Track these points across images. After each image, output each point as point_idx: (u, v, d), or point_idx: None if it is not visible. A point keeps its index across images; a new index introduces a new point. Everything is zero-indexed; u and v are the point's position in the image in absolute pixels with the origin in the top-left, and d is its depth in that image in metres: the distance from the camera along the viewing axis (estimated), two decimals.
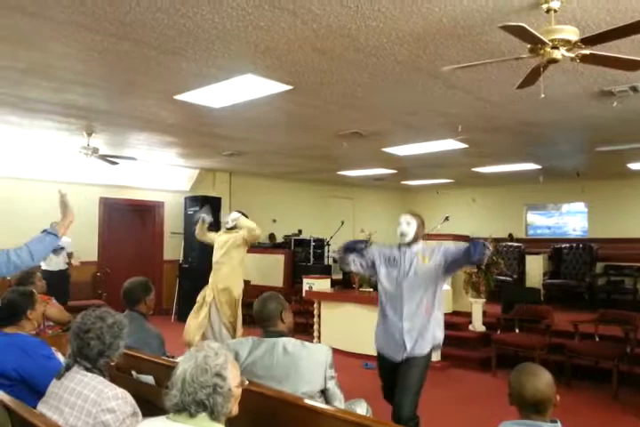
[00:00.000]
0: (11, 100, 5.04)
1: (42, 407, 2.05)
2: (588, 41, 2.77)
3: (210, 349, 1.68)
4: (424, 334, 3.38)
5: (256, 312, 2.66)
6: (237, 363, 2.46)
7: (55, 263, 7.46)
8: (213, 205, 9.53)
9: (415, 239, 3.45)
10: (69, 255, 7.74)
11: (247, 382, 1.83)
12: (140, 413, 1.98)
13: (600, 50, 2.89)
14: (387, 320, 3.54)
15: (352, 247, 3.56)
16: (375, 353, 3.85)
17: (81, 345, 2.05)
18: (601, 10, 2.99)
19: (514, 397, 2.03)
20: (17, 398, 2.19)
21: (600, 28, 3.01)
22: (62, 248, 7.01)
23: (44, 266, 7.34)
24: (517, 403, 2.02)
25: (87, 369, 2.03)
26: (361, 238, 3.58)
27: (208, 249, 9.36)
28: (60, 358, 2.59)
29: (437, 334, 3.47)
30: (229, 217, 5.88)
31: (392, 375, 3.44)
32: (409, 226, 3.43)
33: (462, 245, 3.60)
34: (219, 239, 5.94)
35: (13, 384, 2.38)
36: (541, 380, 2.01)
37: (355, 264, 3.59)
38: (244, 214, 5.86)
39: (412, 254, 3.43)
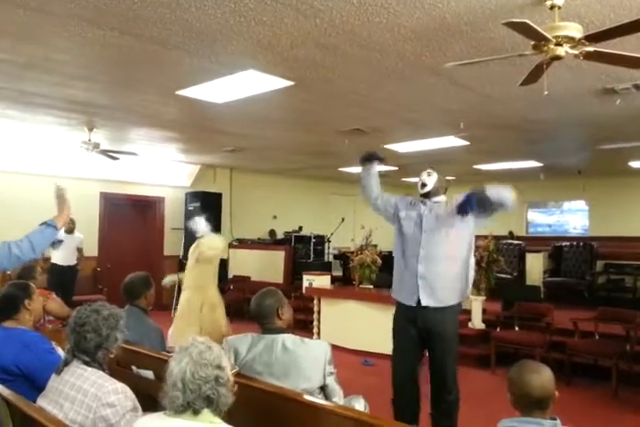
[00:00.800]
0: (11, 94, 5.03)
1: (42, 402, 2.05)
2: (592, 38, 2.75)
3: (200, 344, 1.69)
4: (441, 280, 3.25)
5: (253, 309, 2.65)
6: (237, 359, 2.48)
7: (66, 258, 7.50)
8: (212, 204, 9.59)
9: (436, 191, 3.42)
10: (80, 251, 7.78)
11: (237, 369, 1.83)
12: (139, 407, 1.98)
13: (604, 47, 2.88)
14: (402, 264, 3.41)
15: (371, 157, 3.55)
16: (374, 350, 3.82)
17: (78, 339, 2.05)
18: (605, 6, 2.98)
19: (517, 396, 2.02)
20: (17, 393, 2.19)
21: (604, 24, 2.99)
22: (60, 241, 7.01)
23: (54, 260, 7.39)
24: (520, 401, 2.02)
25: (86, 363, 2.04)
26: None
27: None
28: (61, 352, 2.58)
29: (460, 294, 3.34)
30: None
31: (407, 331, 3.31)
32: (429, 176, 3.42)
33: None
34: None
35: (13, 379, 2.38)
36: (544, 376, 2.02)
37: (376, 189, 3.60)
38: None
39: (432, 203, 3.41)
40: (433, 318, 3.26)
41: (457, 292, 3.34)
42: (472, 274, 3.41)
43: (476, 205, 3.10)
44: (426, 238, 3.30)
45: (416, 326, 3.31)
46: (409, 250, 3.38)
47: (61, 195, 2.66)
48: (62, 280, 7.17)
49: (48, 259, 7.41)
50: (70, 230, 7.60)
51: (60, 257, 7.49)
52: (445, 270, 3.29)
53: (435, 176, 3.42)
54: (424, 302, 3.25)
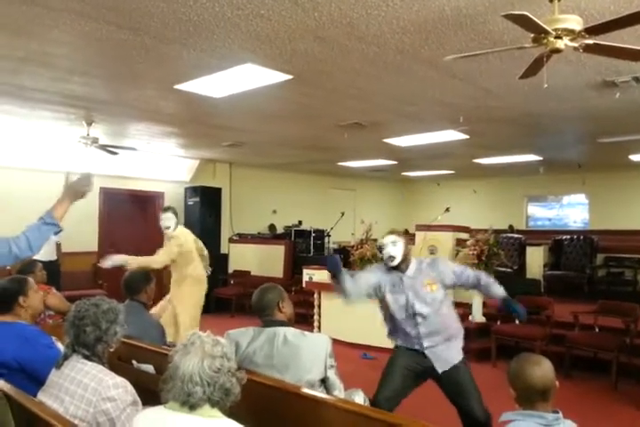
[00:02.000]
0: (9, 89, 5.01)
1: (42, 396, 2.05)
2: (592, 30, 2.74)
3: (206, 338, 1.70)
4: (447, 345, 3.24)
5: (254, 302, 2.68)
6: (237, 352, 2.49)
7: (45, 254, 7.45)
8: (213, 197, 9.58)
9: (405, 259, 3.24)
10: (58, 246, 7.72)
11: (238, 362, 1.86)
12: (139, 402, 1.99)
13: (604, 40, 2.86)
14: (404, 336, 3.32)
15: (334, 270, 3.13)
16: (374, 344, 3.82)
17: (77, 333, 2.06)
18: None
19: (520, 389, 2.02)
20: (17, 387, 2.19)
21: (604, 17, 2.97)
22: (61, 230, 6.99)
23: (35, 256, 7.32)
24: (524, 395, 2.02)
25: (86, 357, 2.04)
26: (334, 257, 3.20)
27: (207, 240, 9.41)
28: (61, 347, 2.59)
29: (461, 339, 3.36)
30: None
31: (401, 367, 3.25)
32: (395, 246, 3.20)
33: (479, 273, 3.42)
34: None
35: (13, 373, 2.38)
36: (546, 367, 2.03)
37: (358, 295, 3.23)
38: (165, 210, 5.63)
39: (412, 282, 3.23)
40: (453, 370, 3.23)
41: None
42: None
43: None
44: (422, 322, 3.22)
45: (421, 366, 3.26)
46: (406, 328, 3.28)
47: (72, 184, 2.61)
48: (47, 276, 7.13)
49: None
50: None
51: (42, 253, 7.41)
52: (446, 335, 3.27)
53: (400, 244, 3.20)
54: (445, 369, 3.21)
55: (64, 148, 7.82)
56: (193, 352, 1.65)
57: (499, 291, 3.38)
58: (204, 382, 1.60)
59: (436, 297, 3.22)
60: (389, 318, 3.38)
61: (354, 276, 3.24)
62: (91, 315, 2.08)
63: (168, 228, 5.45)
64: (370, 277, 3.30)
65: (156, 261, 5.28)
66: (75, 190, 2.51)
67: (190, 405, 1.60)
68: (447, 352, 3.23)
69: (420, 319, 3.21)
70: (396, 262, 3.21)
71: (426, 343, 3.21)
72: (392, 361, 3.33)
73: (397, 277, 3.26)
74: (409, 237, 3.49)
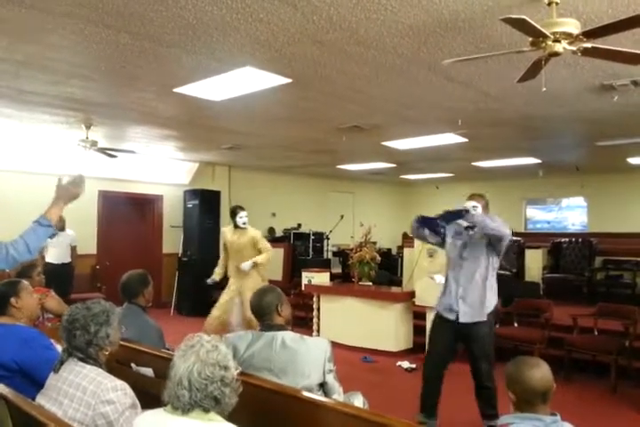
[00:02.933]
0: (8, 92, 5.01)
1: (40, 400, 2.05)
2: (590, 34, 2.75)
3: (207, 343, 1.68)
4: (478, 300, 3.73)
5: (253, 306, 2.67)
6: (235, 356, 2.48)
7: (59, 256, 7.47)
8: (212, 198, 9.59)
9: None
10: (73, 249, 7.76)
11: (240, 369, 1.84)
12: (139, 404, 1.98)
13: (602, 43, 2.87)
14: (447, 285, 3.89)
15: (430, 223, 3.83)
16: (373, 347, 4.02)
17: (68, 337, 2.06)
18: (602, 2, 2.97)
19: (520, 392, 2.01)
20: (16, 389, 2.19)
21: (602, 20, 2.99)
22: (55, 234, 7.01)
23: (48, 259, 7.35)
24: (524, 398, 2.01)
25: (82, 360, 2.04)
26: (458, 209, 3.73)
27: (207, 243, 9.43)
28: (59, 349, 2.59)
29: (491, 299, 3.78)
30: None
31: (444, 335, 3.82)
32: (475, 211, 3.65)
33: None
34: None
35: (12, 375, 2.38)
36: (544, 369, 2.03)
37: (428, 237, 3.93)
38: (240, 208, 5.85)
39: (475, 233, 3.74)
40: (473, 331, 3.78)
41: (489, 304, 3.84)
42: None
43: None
44: (466, 266, 3.81)
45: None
46: (452, 274, 3.90)
47: (64, 186, 2.62)
48: (57, 278, 7.13)
49: (43, 257, 7.41)
50: (61, 228, 7.54)
51: (54, 255, 7.45)
52: (481, 289, 3.81)
53: (479, 209, 3.67)
54: (467, 322, 3.77)
55: (63, 151, 7.83)
56: (188, 356, 1.64)
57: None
58: (193, 387, 1.59)
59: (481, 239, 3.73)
60: (448, 267, 3.96)
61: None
62: (80, 318, 2.08)
63: (245, 223, 5.80)
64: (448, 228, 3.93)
65: (271, 255, 5.88)
66: (67, 192, 2.52)
67: (178, 408, 1.60)
68: (475, 309, 3.73)
69: (464, 264, 3.76)
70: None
71: (462, 292, 3.75)
72: (437, 332, 3.92)
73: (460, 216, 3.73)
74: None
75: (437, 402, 3.86)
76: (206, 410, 1.60)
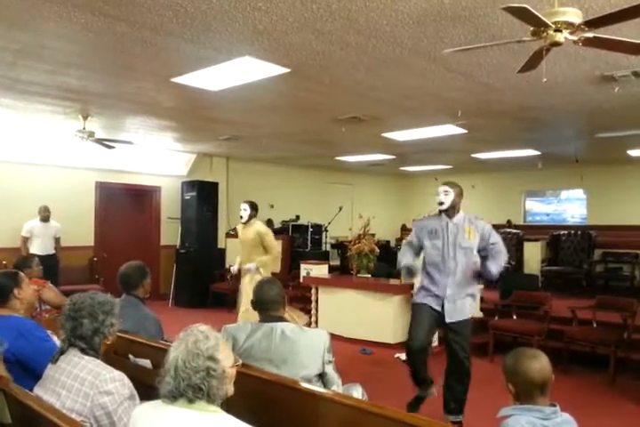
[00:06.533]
0: (4, 82, 4.97)
1: (38, 391, 2.04)
2: (592, 24, 2.71)
3: (199, 332, 1.67)
4: (465, 300, 3.77)
5: (258, 297, 2.64)
6: (235, 347, 2.48)
7: (43, 247, 7.44)
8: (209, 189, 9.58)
9: (452, 208, 3.74)
10: (57, 240, 7.72)
11: (240, 362, 1.81)
12: (137, 396, 1.98)
13: (603, 33, 2.85)
14: (432, 284, 3.82)
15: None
16: (372, 339, 4.05)
17: (74, 325, 2.05)
18: None
19: (520, 384, 2.00)
20: (13, 381, 2.18)
21: (604, 10, 2.95)
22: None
23: (32, 250, 7.32)
24: (524, 389, 2.00)
25: (83, 351, 2.03)
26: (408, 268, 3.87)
27: (205, 235, 9.42)
28: (56, 340, 2.58)
29: (474, 291, 3.90)
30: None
31: (427, 319, 3.79)
32: (446, 195, 3.72)
33: (500, 244, 3.83)
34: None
35: (9, 367, 2.36)
36: (543, 360, 2.02)
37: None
38: (253, 205, 5.57)
39: (455, 227, 3.74)
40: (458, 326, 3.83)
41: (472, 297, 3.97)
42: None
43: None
44: (453, 267, 3.76)
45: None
46: (437, 274, 3.83)
47: None
48: (44, 270, 7.12)
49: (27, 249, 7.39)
50: (46, 219, 7.53)
51: (39, 247, 7.44)
52: (467, 288, 3.87)
53: (451, 194, 3.72)
54: (453, 321, 3.80)
55: (60, 141, 7.78)
56: (180, 345, 1.63)
57: (498, 265, 3.73)
58: (178, 376, 1.58)
59: (472, 245, 3.72)
60: (424, 268, 3.90)
61: (411, 255, 3.92)
62: (87, 306, 2.08)
63: (242, 217, 5.51)
64: (414, 245, 3.94)
65: (276, 256, 5.69)
66: None
67: (166, 396, 1.59)
68: (460, 307, 3.75)
69: (451, 264, 3.71)
70: (443, 207, 3.74)
71: (449, 291, 3.72)
72: (419, 315, 3.86)
73: (444, 222, 3.78)
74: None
75: (427, 374, 3.91)
76: (191, 400, 1.58)
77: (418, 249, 3.94)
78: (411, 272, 3.81)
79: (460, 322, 3.78)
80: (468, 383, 3.86)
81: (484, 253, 3.78)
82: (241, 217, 5.50)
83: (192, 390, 1.57)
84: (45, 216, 7.49)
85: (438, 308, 3.78)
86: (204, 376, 1.58)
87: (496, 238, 3.80)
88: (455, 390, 3.83)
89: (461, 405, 3.83)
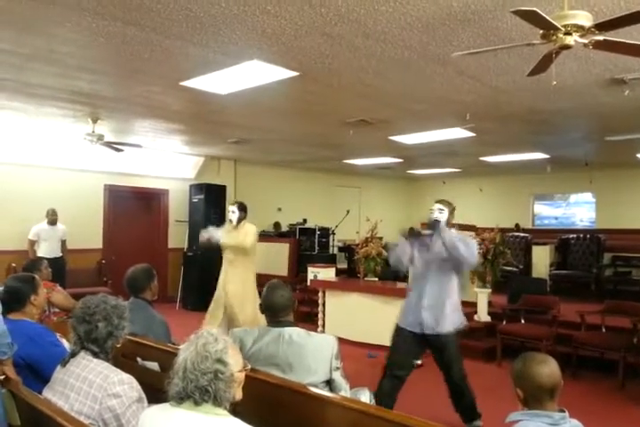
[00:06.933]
0: (15, 85, 5.01)
1: (47, 393, 2.05)
2: (602, 27, 2.70)
3: (209, 335, 1.67)
4: (443, 311, 3.71)
5: (269, 301, 2.61)
6: (242, 351, 2.47)
7: (51, 250, 7.48)
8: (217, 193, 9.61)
9: (445, 224, 3.76)
10: (63, 243, 7.76)
11: (249, 367, 1.81)
12: (145, 398, 1.98)
13: (614, 36, 2.83)
14: (411, 297, 3.89)
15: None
16: (379, 342, 4.06)
17: (89, 329, 2.05)
18: None
19: (529, 389, 1.99)
20: (23, 385, 2.19)
21: (614, 13, 2.94)
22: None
23: (39, 253, 7.36)
24: (532, 394, 1.99)
25: (94, 354, 2.03)
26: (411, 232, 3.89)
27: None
28: (65, 344, 2.58)
29: (456, 316, 3.78)
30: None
31: (405, 344, 3.79)
32: (441, 213, 3.78)
33: (461, 244, 3.77)
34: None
35: (19, 370, 2.37)
36: (552, 365, 2.01)
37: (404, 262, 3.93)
38: (243, 207, 5.57)
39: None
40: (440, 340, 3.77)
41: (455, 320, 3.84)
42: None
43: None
44: (432, 277, 3.78)
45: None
46: (417, 286, 3.89)
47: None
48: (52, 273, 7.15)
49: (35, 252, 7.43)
50: (53, 222, 7.58)
51: (46, 250, 7.47)
52: (445, 302, 3.80)
53: (446, 213, 3.79)
54: (433, 333, 3.75)
55: (69, 144, 7.83)
56: (189, 346, 1.64)
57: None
58: (186, 377, 1.58)
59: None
60: (411, 275, 4.05)
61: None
62: (102, 310, 2.09)
63: (232, 221, 5.49)
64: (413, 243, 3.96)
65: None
66: None
67: (174, 398, 1.59)
68: (439, 319, 3.70)
69: (429, 275, 3.75)
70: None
71: (426, 302, 3.72)
72: (400, 338, 3.86)
73: (434, 236, 3.77)
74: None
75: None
76: (197, 402, 1.58)
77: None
78: (413, 231, 3.84)
79: (441, 336, 3.72)
80: (469, 391, 3.84)
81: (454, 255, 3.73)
82: (230, 220, 5.47)
83: (199, 392, 1.58)
84: (53, 219, 7.54)
85: (417, 327, 3.75)
86: (211, 378, 1.59)
87: (464, 239, 3.75)
88: (462, 403, 3.85)
89: (472, 412, 3.83)
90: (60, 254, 7.68)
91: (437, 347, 3.78)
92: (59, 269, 7.45)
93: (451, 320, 3.73)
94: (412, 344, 3.79)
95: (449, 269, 3.75)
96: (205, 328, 1.73)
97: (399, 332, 3.88)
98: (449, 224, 3.80)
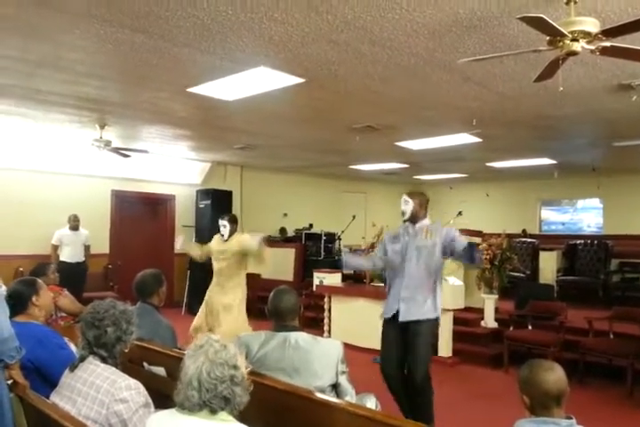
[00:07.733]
0: (23, 92, 5.05)
1: (55, 398, 2.06)
2: (609, 33, 2.71)
3: (215, 342, 1.68)
4: (419, 301, 3.68)
5: (275, 306, 2.62)
6: (248, 356, 2.47)
7: (73, 255, 7.55)
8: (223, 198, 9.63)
9: (414, 216, 3.77)
10: (87, 248, 7.83)
11: (250, 367, 1.83)
12: (152, 404, 1.98)
13: (621, 42, 2.83)
14: (390, 289, 3.89)
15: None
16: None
17: (98, 333, 2.06)
18: (622, 1, 2.92)
19: (535, 396, 1.98)
20: (30, 388, 2.20)
21: (621, 19, 2.94)
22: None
23: (62, 258, 7.42)
24: (539, 401, 1.98)
25: (102, 359, 2.04)
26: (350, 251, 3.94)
27: None
28: (73, 348, 2.59)
29: (434, 307, 3.73)
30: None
31: (390, 338, 3.79)
32: (406, 204, 3.77)
33: (464, 238, 3.83)
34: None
35: (27, 373, 2.38)
36: (558, 372, 2.01)
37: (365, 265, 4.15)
38: (234, 220, 5.49)
39: (415, 230, 3.78)
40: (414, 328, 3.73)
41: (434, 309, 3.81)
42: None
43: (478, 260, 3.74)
44: (408, 268, 3.75)
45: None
46: (394, 277, 3.87)
47: None
48: (72, 277, 7.18)
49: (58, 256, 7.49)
50: (75, 227, 7.64)
51: (69, 254, 7.54)
52: (424, 293, 3.77)
53: (410, 204, 3.76)
54: (407, 320, 3.71)
55: (76, 150, 7.88)
56: (197, 356, 1.64)
57: (464, 242, 3.67)
58: (202, 387, 1.58)
59: (428, 244, 3.70)
60: (388, 274, 4.00)
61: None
62: (110, 315, 2.10)
63: (223, 235, 5.44)
64: (373, 256, 4.10)
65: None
66: None
67: (186, 408, 1.59)
68: (416, 308, 3.67)
69: (407, 265, 3.71)
70: (405, 217, 3.81)
71: (403, 293, 3.70)
72: (384, 334, 3.88)
73: (406, 227, 3.83)
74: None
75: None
76: (214, 411, 1.59)
77: (376, 258, 4.02)
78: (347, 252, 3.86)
79: (412, 322, 3.66)
80: (430, 396, 3.67)
81: (457, 257, 3.76)
82: (222, 235, 5.38)
83: (217, 401, 1.58)
84: (75, 225, 7.63)
85: (394, 313, 3.74)
86: (229, 385, 1.60)
87: (454, 236, 3.71)
88: (414, 402, 3.72)
89: (427, 417, 3.63)
90: (83, 259, 7.77)
91: (409, 339, 3.68)
92: (80, 273, 7.56)
93: (428, 308, 3.69)
94: (392, 333, 3.79)
95: (432, 256, 3.71)
96: (204, 335, 1.74)
97: (383, 325, 3.93)
98: (418, 215, 3.77)
